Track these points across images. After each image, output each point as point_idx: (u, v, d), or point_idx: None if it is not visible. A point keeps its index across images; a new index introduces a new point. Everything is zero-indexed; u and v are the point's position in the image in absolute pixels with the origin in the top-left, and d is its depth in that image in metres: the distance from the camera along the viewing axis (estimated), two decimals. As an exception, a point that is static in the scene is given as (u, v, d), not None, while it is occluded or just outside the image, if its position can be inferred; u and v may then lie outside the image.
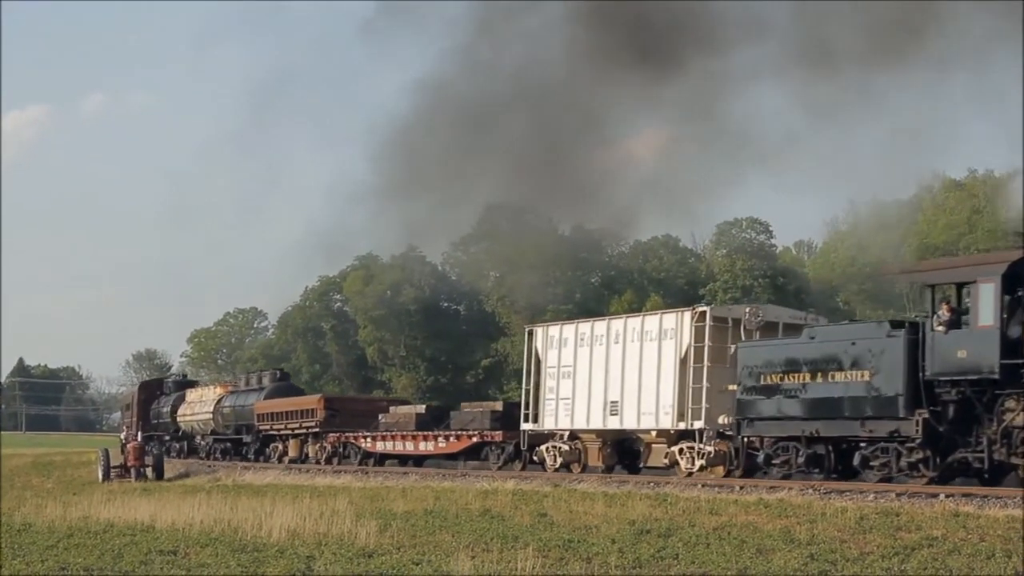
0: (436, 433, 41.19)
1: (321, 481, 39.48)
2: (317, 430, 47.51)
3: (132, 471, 49.35)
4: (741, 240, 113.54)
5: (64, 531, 22.16)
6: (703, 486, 28.86)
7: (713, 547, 17.52)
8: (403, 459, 43.82)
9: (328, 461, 46.25)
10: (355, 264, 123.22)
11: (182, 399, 63.56)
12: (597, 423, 34.80)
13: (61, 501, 29.71)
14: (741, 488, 27.76)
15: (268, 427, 52.04)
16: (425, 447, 41.71)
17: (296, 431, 49.41)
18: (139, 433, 57.90)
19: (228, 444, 56.95)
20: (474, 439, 39.47)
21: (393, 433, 43.06)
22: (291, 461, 49.15)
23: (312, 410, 48.26)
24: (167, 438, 64.23)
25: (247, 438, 54.29)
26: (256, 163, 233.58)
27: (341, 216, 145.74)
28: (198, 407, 60.70)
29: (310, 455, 48.09)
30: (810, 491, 26.16)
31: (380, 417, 44.47)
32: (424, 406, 46.55)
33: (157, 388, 70.39)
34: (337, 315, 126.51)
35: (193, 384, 70.60)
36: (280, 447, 51.07)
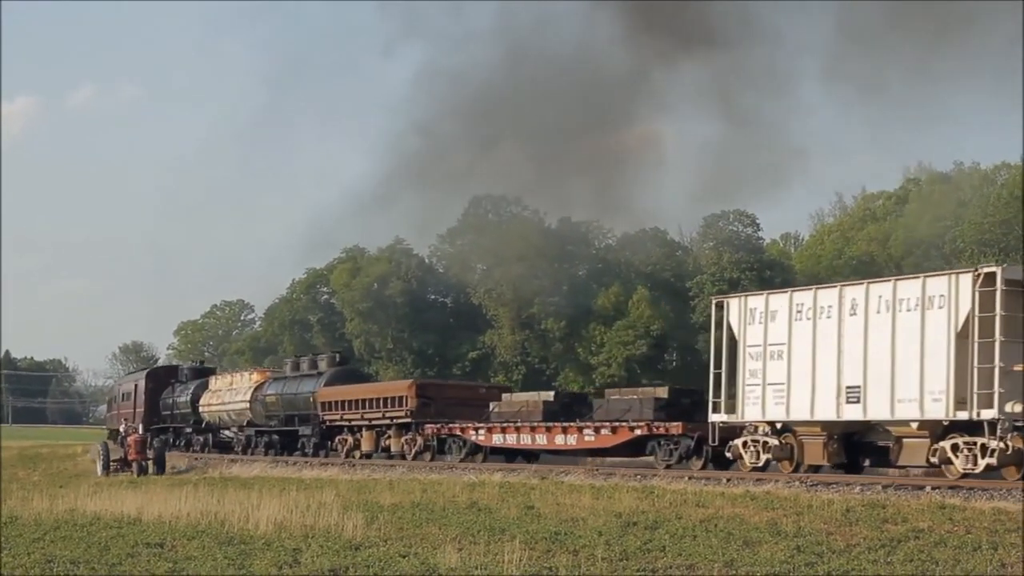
0: (581, 425, 35.34)
1: (308, 474, 39.44)
2: (408, 420, 42.27)
3: (134, 465, 46.65)
4: (728, 233, 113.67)
5: (50, 524, 22.11)
6: (689, 478, 28.90)
7: (700, 539, 17.54)
8: (527, 455, 39.10)
9: (416, 456, 41.51)
10: (342, 257, 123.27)
11: (204, 388, 59.25)
12: (827, 413, 28.39)
13: (47, 494, 29.64)
14: (727, 480, 27.82)
15: (336, 417, 46.46)
16: (565, 441, 35.83)
17: (375, 421, 44.09)
18: (140, 425, 54.89)
19: (273, 437, 51.56)
20: (637, 431, 33.39)
21: (515, 425, 37.55)
22: (364, 456, 44.25)
23: (401, 398, 42.68)
24: (188, 430, 59.89)
25: (304, 430, 48.78)
26: (248, 155, 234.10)
27: (354, 206, 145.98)
28: (227, 396, 56.17)
29: (393, 449, 42.98)
30: (796, 483, 26.20)
31: (492, 406, 39.71)
32: (552, 392, 41.10)
33: (169, 376, 65.74)
34: (324, 308, 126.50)
35: (211, 371, 66.25)
36: (350, 440, 45.56)
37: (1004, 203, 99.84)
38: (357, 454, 44.69)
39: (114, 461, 47.90)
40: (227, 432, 56.63)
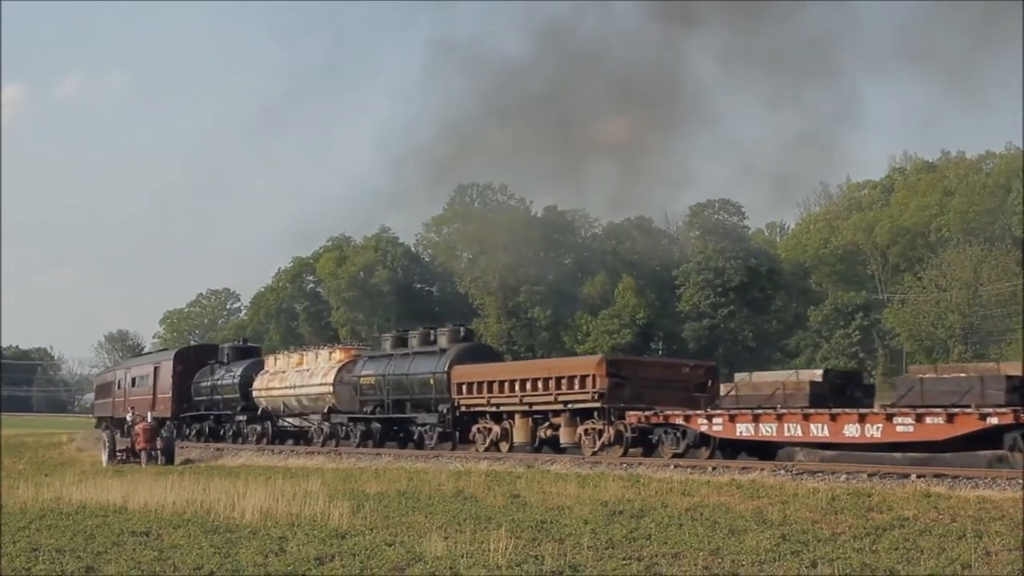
0: (893, 411, 26.60)
1: (294, 462, 39.41)
2: (595, 405, 33.95)
3: (143, 454, 44.16)
4: (714, 222, 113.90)
5: (36, 512, 22.07)
6: (675, 467, 28.92)
7: (686, 528, 17.55)
8: (766, 451, 31.17)
9: (603, 450, 33.52)
10: (328, 245, 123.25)
11: (256, 369, 52.97)
12: None
13: (33, 482, 29.58)
14: (713, 469, 27.83)
15: (481, 401, 38.37)
16: (861, 432, 27.05)
17: (541, 407, 36.11)
18: (149, 414, 49.22)
19: (372, 426, 43.96)
20: (992, 420, 24.70)
21: (774, 412, 29.07)
22: (513, 448, 36.94)
23: (585, 377, 34.36)
24: (240, 417, 53.04)
25: (429, 418, 40.88)
26: (235, 145, 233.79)
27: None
28: (296, 378, 48.84)
29: (563, 440, 35.14)
30: (782, 472, 26.24)
31: (729, 390, 31.50)
32: (820, 371, 31.69)
33: (205, 357, 59.23)
34: (310, 296, 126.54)
35: (255, 350, 60.48)
36: (495, 429, 37.80)
37: (989, 192, 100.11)
38: (504, 446, 37.32)
39: (120, 450, 45.74)
40: (290, 420, 50.19)
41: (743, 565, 14.45)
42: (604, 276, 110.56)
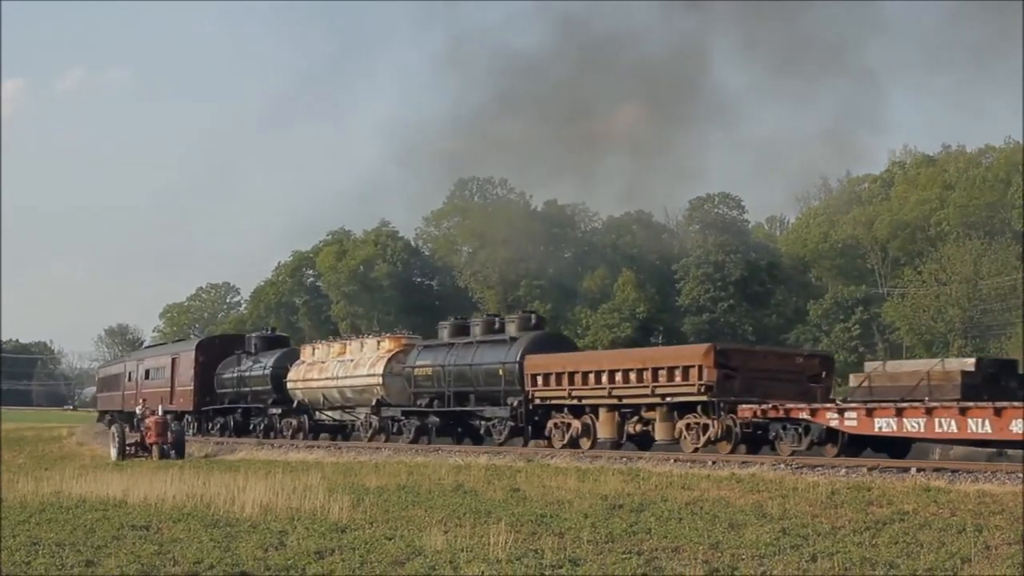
0: None
1: (294, 456, 39.38)
2: (701, 399, 31.24)
3: (154, 448, 42.76)
4: (714, 216, 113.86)
5: (35, 506, 22.07)
6: (675, 461, 28.90)
7: (685, 522, 17.56)
8: (893, 446, 28.53)
9: (706, 447, 31.04)
10: (328, 239, 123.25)
11: (290, 359, 50.35)
12: None
13: (32, 476, 29.59)
14: (713, 463, 27.82)
15: (562, 394, 35.45)
16: None
17: (633, 400, 33.31)
18: (160, 407, 47.30)
19: (429, 419, 41.23)
20: None
21: (922, 405, 26.17)
22: (595, 444, 34.18)
23: (690, 368, 31.51)
24: (273, 411, 50.13)
25: (499, 411, 37.95)
26: (236, 140, 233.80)
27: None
28: (338, 369, 46.01)
29: (659, 436, 32.56)
30: (782, 466, 26.24)
31: (860, 380, 28.93)
32: (972, 360, 28.95)
33: (229, 347, 56.38)
34: (310, 290, 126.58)
35: (285, 340, 57.78)
36: (575, 424, 34.96)
37: (989, 185, 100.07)
38: (585, 443, 34.54)
39: (130, 444, 44.15)
40: (329, 414, 47.79)
41: (743, 559, 14.45)
42: (604, 270, 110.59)
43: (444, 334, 42.45)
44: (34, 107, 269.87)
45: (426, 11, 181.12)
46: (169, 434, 43.69)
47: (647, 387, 32.60)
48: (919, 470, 23.95)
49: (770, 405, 29.65)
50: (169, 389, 57.40)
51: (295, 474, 27.45)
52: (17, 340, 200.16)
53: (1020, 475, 22.07)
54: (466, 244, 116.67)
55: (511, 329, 39.67)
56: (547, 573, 13.76)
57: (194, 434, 53.26)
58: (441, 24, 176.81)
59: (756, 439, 30.60)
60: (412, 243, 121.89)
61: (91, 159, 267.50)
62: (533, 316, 40.75)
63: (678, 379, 31.82)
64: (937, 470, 23.78)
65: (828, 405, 28.89)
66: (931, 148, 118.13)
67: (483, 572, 13.75)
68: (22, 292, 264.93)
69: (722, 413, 30.57)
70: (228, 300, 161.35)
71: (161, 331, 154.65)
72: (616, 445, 33.67)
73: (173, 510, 20.49)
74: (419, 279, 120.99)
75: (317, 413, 48.24)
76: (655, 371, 32.55)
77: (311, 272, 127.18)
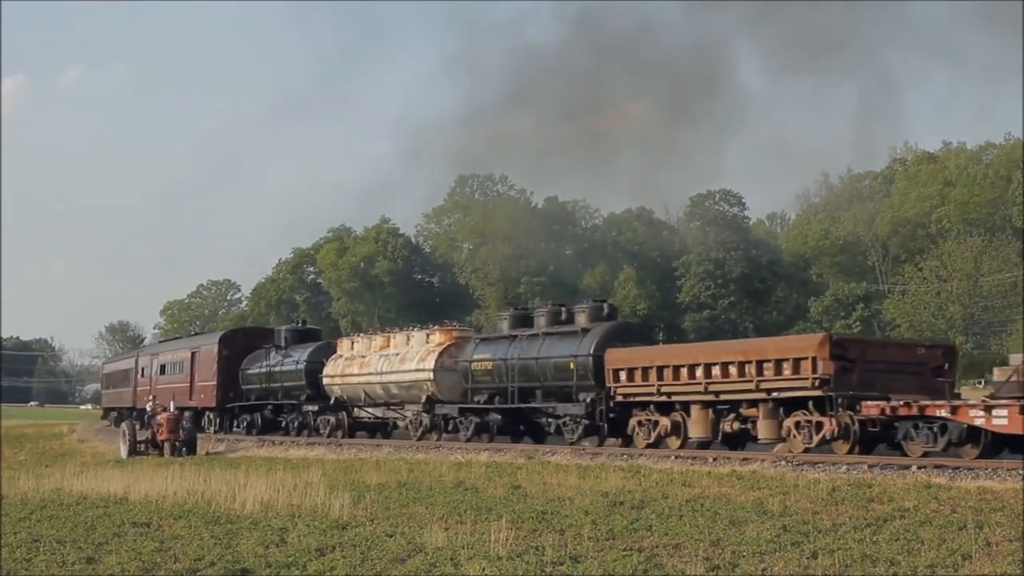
0: None
1: (295, 453, 39.33)
2: (815, 393, 28.22)
3: (166, 445, 41.94)
4: (714, 213, 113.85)
5: (37, 503, 22.09)
6: (676, 458, 28.84)
7: (686, 519, 17.56)
8: None
9: (821, 446, 28.05)
10: (328, 236, 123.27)
11: (326, 353, 47.67)
12: None
13: (33, 473, 29.60)
14: (714, 460, 27.75)
15: (649, 389, 32.51)
16: None
17: (731, 395, 30.40)
18: (172, 403, 45.35)
19: (490, 417, 38.42)
20: None
21: None
22: (685, 444, 31.82)
23: (803, 361, 28.53)
24: (309, 407, 47.30)
25: (572, 408, 34.96)
26: (236, 136, 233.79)
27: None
28: (382, 363, 43.31)
29: (762, 435, 29.63)
30: (782, 463, 26.21)
31: (1007, 375, 26.12)
32: None
33: (256, 341, 53.65)
34: (310, 287, 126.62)
35: (316, 333, 55.06)
36: (663, 422, 32.10)
37: (990, 182, 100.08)
38: (674, 442, 32.05)
39: (140, 442, 43.17)
40: (370, 411, 45.15)
41: (744, 556, 14.45)
42: (604, 267, 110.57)
43: (504, 326, 39.95)
44: (34, 104, 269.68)
45: (438, 9, 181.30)
46: (181, 431, 42.96)
47: (750, 381, 29.77)
48: (920, 467, 23.93)
49: (900, 401, 26.81)
50: (188, 385, 55.23)
51: (296, 471, 27.45)
52: (18, 337, 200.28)
53: (1021, 472, 22.06)
54: (467, 241, 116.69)
55: (581, 320, 36.87)
56: (548, 570, 13.76)
57: (215, 432, 51.56)
58: (453, 20, 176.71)
59: (875, 438, 27.89)
60: (413, 240, 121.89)
61: (91, 156, 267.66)
62: (605, 306, 37.84)
63: (787, 372, 28.94)
64: (938, 467, 23.76)
65: (972, 402, 26.33)
66: (932, 145, 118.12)
67: (484, 569, 13.75)
68: (22, 289, 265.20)
69: (839, 409, 27.81)
70: (229, 297, 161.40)
71: (162, 328, 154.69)
72: (704, 445, 31.39)
73: (174, 507, 20.51)
74: (420, 276, 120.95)
75: (356, 410, 45.63)
76: (760, 364, 29.70)
77: (312, 269, 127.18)
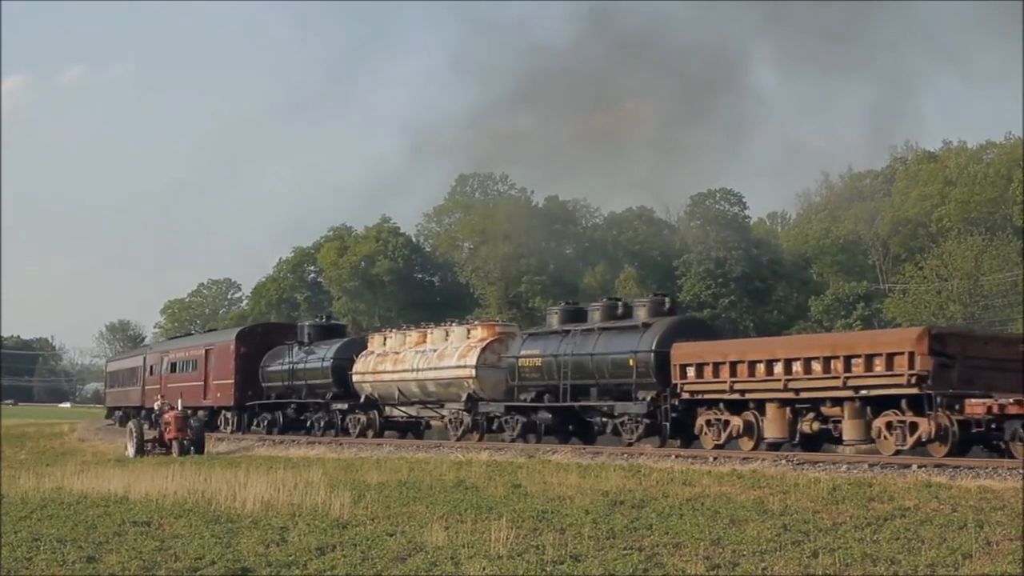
0: None
1: (295, 452, 39.31)
2: (911, 391, 26.45)
3: (174, 444, 41.29)
4: (715, 212, 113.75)
5: (37, 502, 22.09)
6: (676, 457, 28.84)
7: (687, 518, 17.56)
8: None
9: (916, 448, 26.42)
10: (329, 235, 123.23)
11: (356, 349, 45.71)
12: None
13: (34, 472, 29.61)
14: (714, 459, 27.75)
15: (721, 387, 30.60)
16: None
17: (813, 393, 28.48)
18: (179, 402, 44.89)
19: (538, 416, 36.26)
20: None
21: None
22: (759, 445, 29.77)
23: (898, 356, 26.67)
24: (338, 406, 45.24)
25: (632, 407, 32.87)
26: (235, 136, 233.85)
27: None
28: (417, 360, 41.44)
29: (847, 436, 27.88)
30: (783, 462, 26.21)
31: None
32: None
33: (279, 337, 51.78)
34: (311, 286, 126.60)
35: (342, 329, 53.37)
36: (735, 422, 30.20)
37: (991, 181, 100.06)
38: (747, 443, 29.93)
39: (147, 441, 42.46)
40: (404, 409, 43.65)
41: (744, 555, 14.47)
42: (605, 266, 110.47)
43: (554, 320, 37.80)
44: (35, 103, 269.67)
45: (445, 8, 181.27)
46: (189, 429, 42.17)
47: (837, 378, 27.76)
48: (920, 466, 23.93)
49: (1010, 399, 24.85)
50: (202, 383, 53.46)
51: (296, 470, 27.46)
52: (18, 336, 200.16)
53: (1021, 471, 22.06)
54: (467, 240, 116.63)
55: (641, 314, 34.48)
56: (548, 569, 13.77)
57: (232, 431, 50.71)
58: (460, 18, 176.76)
59: (973, 439, 26.25)
60: (413, 239, 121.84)
61: (92, 155, 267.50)
62: (666, 299, 35.51)
63: (879, 368, 27.01)
64: (938, 466, 23.77)
65: None
66: (932, 144, 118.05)
67: (484, 568, 13.76)
68: (23, 288, 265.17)
69: (939, 409, 25.98)
70: (229, 296, 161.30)
71: (162, 327, 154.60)
72: (775, 447, 29.32)
73: (174, 506, 20.52)
74: (420, 275, 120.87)
75: (388, 409, 43.85)
76: (848, 360, 27.68)
77: (312, 268, 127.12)
